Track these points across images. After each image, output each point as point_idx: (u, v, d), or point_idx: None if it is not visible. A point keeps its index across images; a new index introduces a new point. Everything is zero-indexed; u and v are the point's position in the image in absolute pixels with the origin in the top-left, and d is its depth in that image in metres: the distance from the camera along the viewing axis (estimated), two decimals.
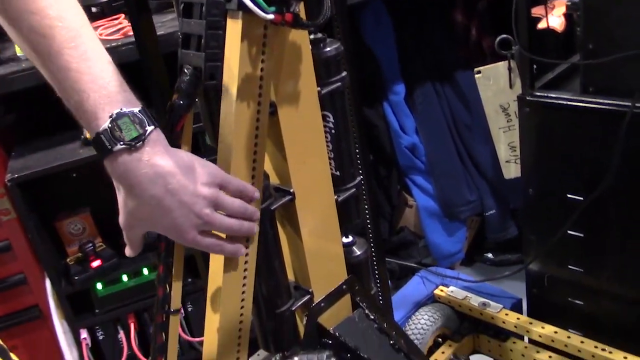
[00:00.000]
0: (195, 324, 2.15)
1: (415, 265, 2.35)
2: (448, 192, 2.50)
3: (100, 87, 0.76)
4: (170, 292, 0.92)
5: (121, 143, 0.76)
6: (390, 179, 2.58)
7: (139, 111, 0.78)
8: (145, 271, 2.08)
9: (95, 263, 2.00)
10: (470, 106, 2.44)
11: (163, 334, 0.92)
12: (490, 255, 2.66)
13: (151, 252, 2.07)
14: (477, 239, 2.66)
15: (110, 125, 0.76)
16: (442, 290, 1.76)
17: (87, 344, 2.04)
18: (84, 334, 2.05)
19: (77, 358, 2.06)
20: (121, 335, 2.08)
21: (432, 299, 1.77)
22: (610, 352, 1.47)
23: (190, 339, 2.14)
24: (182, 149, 0.87)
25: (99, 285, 2.04)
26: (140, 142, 0.77)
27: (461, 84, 2.47)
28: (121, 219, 0.84)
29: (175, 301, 0.93)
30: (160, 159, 0.78)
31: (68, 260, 2.03)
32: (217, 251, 0.88)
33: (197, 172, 0.81)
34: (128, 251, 0.89)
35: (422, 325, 1.66)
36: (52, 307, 2.04)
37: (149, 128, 0.77)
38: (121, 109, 0.76)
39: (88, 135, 0.79)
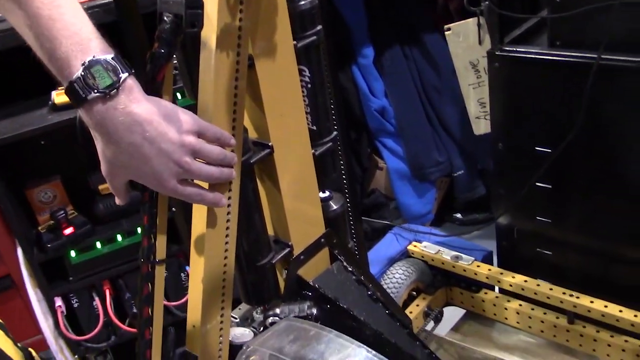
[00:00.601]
0: (170, 289, 2.16)
1: (387, 222, 2.39)
2: (417, 153, 2.54)
3: (72, 34, 0.75)
4: (155, 242, 0.92)
5: (95, 91, 0.75)
6: (360, 142, 2.61)
7: (112, 58, 0.77)
8: (119, 238, 2.07)
9: (68, 230, 1.98)
10: (439, 69, 2.47)
11: (149, 285, 0.93)
12: (459, 215, 2.72)
13: (125, 218, 2.08)
14: (447, 199, 2.72)
15: (83, 74, 0.74)
16: (415, 246, 1.80)
17: (62, 312, 2.04)
18: (58, 301, 2.04)
19: (53, 326, 2.05)
20: (96, 302, 2.08)
21: (405, 255, 1.81)
22: (577, 298, 1.53)
23: (166, 303, 2.15)
24: (164, 97, 0.87)
25: (73, 253, 2.02)
26: (115, 90, 0.76)
27: (429, 47, 2.49)
28: (102, 168, 0.84)
29: (160, 251, 0.93)
30: (136, 107, 0.77)
31: (40, 228, 2.01)
32: (198, 200, 0.88)
33: (174, 119, 0.81)
34: (117, 200, 0.89)
35: (396, 279, 1.70)
36: (25, 275, 2.02)
37: (123, 75, 0.76)
38: (94, 57, 0.75)
39: (59, 90, 0.77)
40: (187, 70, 1.03)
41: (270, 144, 1.12)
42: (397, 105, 2.54)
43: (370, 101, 2.52)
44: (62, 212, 1.98)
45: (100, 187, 2.05)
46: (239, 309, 1.34)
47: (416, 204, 2.59)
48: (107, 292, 2.08)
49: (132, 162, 0.80)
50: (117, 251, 2.07)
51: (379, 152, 2.62)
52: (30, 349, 1.23)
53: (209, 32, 0.89)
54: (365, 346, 0.81)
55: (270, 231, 1.24)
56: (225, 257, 1.03)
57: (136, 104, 0.77)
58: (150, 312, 0.94)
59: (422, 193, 2.60)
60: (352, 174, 2.53)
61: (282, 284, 1.26)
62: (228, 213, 1.01)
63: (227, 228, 1.02)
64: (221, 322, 1.05)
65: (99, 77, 0.75)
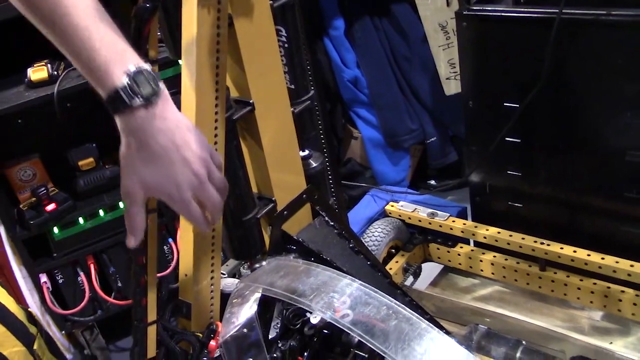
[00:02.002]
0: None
1: (364, 185, 2.45)
2: (391, 122, 2.60)
3: (109, 44, 0.79)
4: None
5: (139, 98, 0.79)
6: (334, 113, 2.66)
7: (152, 69, 0.82)
8: (101, 212, 2.10)
9: (50, 207, 2.00)
10: (408, 38, 2.52)
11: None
12: (433, 182, 2.78)
13: (106, 193, 2.08)
14: (421, 167, 2.78)
15: (129, 82, 0.79)
16: (392, 206, 1.86)
17: (47, 288, 2.06)
18: (43, 278, 2.07)
19: (39, 302, 2.07)
20: (81, 277, 2.11)
21: (383, 215, 1.87)
22: (548, 245, 1.60)
23: None
24: (150, 52, 0.91)
25: (56, 229, 2.05)
26: (155, 97, 0.81)
27: (398, 17, 2.53)
28: (124, 184, 0.86)
29: (152, 201, 0.97)
30: (170, 114, 0.83)
31: (21, 206, 2.02)
32: (194, 219, 0.90)
33: (195, 133, 0.86)
34: (131, 241, 0.91)
35: (375, 237, 1.76)
36: (9, 253, 2.04)
37: (161, 85, 0.82)
38: (136, 66, 0.80)
39: (101, 94, 0.81)
40: (168, 30, 1.07)
41: (251, 101, 1.16)
42: (369, 75, 2.59)
43: (343, 72, 2.57)
44: (43, 188, 2.00)
45: (80, 162, 2.08)
46: (227, 265, 1.39)
47: (391, 172, 2.65)
48: (92, 267, 2.11)
49: (158, 166, 0.84)
50: (100, 226, 2.11)
51: (353, 122, 2.67)
52: (30, 310, 1.27)
53: None
54: (351, 277, 0.86)
55: (254, 189, 1.28)
56: None
57: (170, 112, 0.83)
58: (144, 260, 0.98)
59: (396, 161, 2.66)
60: (330, 135, 2.58)
61: (267, 241, 1.31)
62: None
63: None
64: (212, 270, 1.09)
65: (142, 85, 0.79)
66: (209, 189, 0.88)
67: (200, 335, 1.06)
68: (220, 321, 1.08)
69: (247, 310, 0.93)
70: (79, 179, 2.08)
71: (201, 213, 0.90)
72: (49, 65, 1.91)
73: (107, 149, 2.13)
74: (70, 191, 2.08)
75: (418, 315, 0.80)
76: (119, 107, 0.80)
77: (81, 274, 2.11)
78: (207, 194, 0.88)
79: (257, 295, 0.93)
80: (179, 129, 0.84)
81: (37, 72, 1.90)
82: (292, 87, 1.29)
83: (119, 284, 2.16)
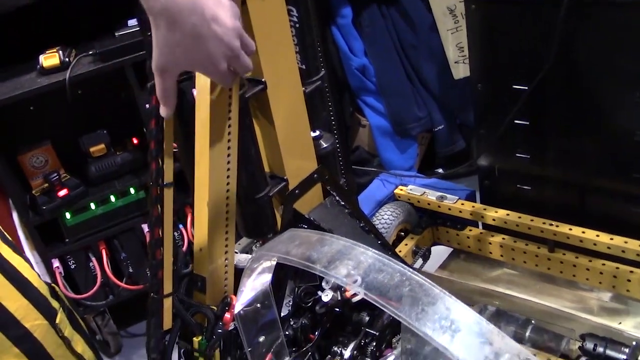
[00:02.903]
0: None
1: (373, 169, 2.47)
2: (398, 110, 2.61)
3: None
4: (162, 166, 0.98)
5: None
6: (342, 101, 2.67)
7: None
8: (113, 198, 2.12)
9: (62, 192, 2.02)
10: (415, 26, 2.53)
11: (159, 207, 0.99)
12: (440, 170, 2.79)
13: (117, 179, 2.11)
14: (428, 155, 2.79)
15: None
16: (401, 190, 1.87)
17: (60, 273, 2.09)
18: (56, 263, 2.09)
19: None
20: (93, 262, 2.13)
21: (392, 198, 1.89)
22: (557, 226, 1.61)
23: None
24: None
25: (68, 215, 2.07)
26: None
27: (406, 5, 2.54)
28: (157, 61, 0.87)
29: (168, 174, 0.99)
30: None
31: (34, 192, 2.05)
32: (229, 85, 0.95)
33: (224, 5, 0.86)
34: (164, 110, 0.92)
35: (385, 220, 1.77)
36: (22, 238, 2.07)
37: None
38: None
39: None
40: None
41: (263, 79, 1.17)
42: (377, 64, 2.59)
43: (351, 60, 2.58)
44: (55, 174, 2.02)
45: (92, 149, 2.10)
46: (239, 243, 1.41)
47: (399, 159, 2.66)
48: (104, 253, 2.13)
49: (191, 44, 0.84)
50: (112, 212, 2.13)
51: (361, 110, 2.68)
52: (53, 285, 1.29)
53: None
54: (366, 246, 0.88)
55: (266, 168, 1.30)
56: (228, 184, 1.09)
57: None
58: (160, 233, 1.00)
59: (404, 148, 2.67)
60: (341, 118, 2.59)
61: (279, 220, 1.33)
62: (229, 141, 1.07)
63: (229, 156, 1.08)
64: (226, 245, 1.11)
65: None
66: (243, 58, 0.90)
67: (215, 308, 1.08)
68: (235, 295, 1.09)
69: (261, 281, 0.95)
70: (91, 165, 2.10)
71: (232, 76, 0.92)
72: (60, 51, 1.93)
73: (118, 136, 2.16)
74: (81, 177, 2.11)
75: (430, 282, 0.82)
76: None
77: (93, 259, 2.13)
78: (241, 62, 0.90)
79: (272, 263, 0.94)
80: (207, 3, 0.83)
81: (49, 59, 1.92)
82: (303, 67, 1.30)
83: (130, 270, 2.18)
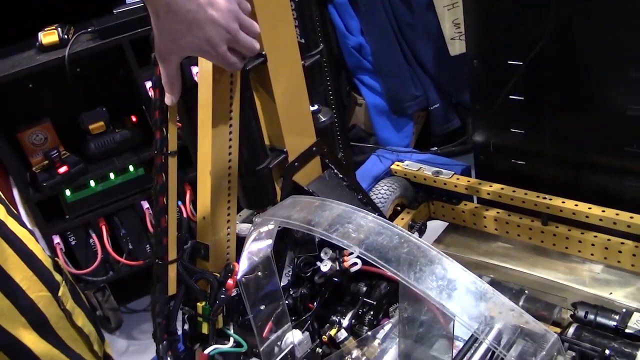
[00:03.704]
0: None
1: (370, 145, 2.50)
2: (394, 88, 2.63)
3: None
4: (167, 135, 1.00)
5: None
6: (339, 80, 2.69)
7: None
8: (112, 176, 2.14)
9: (62, 169, 2.04)
10: (412, 5, 2.54)
11: (163, 175, 1.02)
12: (436, 148, 2.82)
13: (117, 156, 2.12)
14: (424, 133, 2.82)
15: None
16: (397, 165, 1.90)
17: (61, 249, 2.11)
18: (56, 239, 2.12)
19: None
20: (93, 239, 2.15)
21: (389, 174, 1.91)
22: (550, 200, 1.65)
23: None
24: None
25: (68, 192, 2.09)
26: None
27: None
28: (159, 48, 0.90)
29: (172, 143, 1.02)
30: None
31: (34, 169, 2.07)
32: (236, 67, 0.96)
33: None
34: (169, 97, 0.96)
35: (382, 195, 1.80)
36: (23, 215, 2.09)
37: None
38: None
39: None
40: None
41: (263, 52, 1.19)
42: (374, 43, 2.61)
43: (347, 39, 2.59)
44: (55, 151, 2.04)
45: (91, 126, 2.11)
46: (239, 215, 1.43)
47: (395, 137, 2.68)
48: (104, 229, 2.15)
49: (189, 30, 0.87)
50: (111, 189, 2.15)
51: (358, 89, 2.70)
52: (56, 259, 1.31)
53: None
54: (366, 211, 0.91)
55: (266, 140, 1.33)
56: (230, 154, 1.12)
57: None
58: (165, 201, 1.03)
59: (400, 127, 2.70)
60: (339, 94, 2.61)
61: (279, 192, 1.35)
62: (231, 112, 1.09)
63: (231, 127, 1.10)
64: (228, 214, 1.14)
65: None
66: (242, 37, 0.92)
67: (218, 275, 1.11)
68: (237, 262, 1.12)
69: (264, 244, 0.98)
70: (90, 143, 2.12)
71: (237, 59, 0.94)
72: (59, 29, 1.94)
73: (117, 113, 2.17)
74: (81, 154, 2.12)
75: (429, 244, 0.85)
76: None
77: (93, 235, 2.16)
78: (241, 42, 0.92)
79: (274, 229, 0.97)
80: None
81: (48, 36, 1.93)
82: (302, 41, 1.33)
83: (130, 246, 2.21)
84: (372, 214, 0.90)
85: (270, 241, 1.05)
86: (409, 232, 0.86)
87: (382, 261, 0.82)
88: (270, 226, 0.98)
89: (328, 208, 0.93)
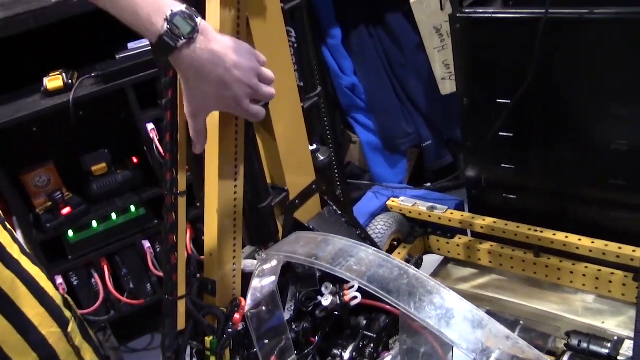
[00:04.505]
0: None
1: (366, 182, 2.55)
2: (387, 126, 2.70)
3: None
4: (177, 176, 1.06)
5: (182, 38, 0.90)
6: (334, 118, 2.76)
7: (186, 8, 0.92)
8: (114, 216, 2.18)
9: (65, 210, 2.09)
10: (402, 46, 2.63)
11: (173, 214, 1.07)
12: (429, 184, 2.88)
13: (118, 197, 2.17)
14: (418, 171, 2.88)
15: (169, 27, 0.89)
16: (393, 201, 1.96)
17: (63, 289, 2.14)
18: (59, 279, 2.15)
19: None
20: (95, 278, 2.18)
21: (385, 210, 1.97)
22: (541, 232, 1.70)
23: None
24: None
25: (70, 233, 2.13)
26: (196, 33, 0.91)
27: (393, 25, 2.64)
28: (189, 108, 0.98)
29: (182, 184, 1.07)
30: (214, 44, 0.94)
31: (38, 210, 2.11)
32: (260, 116, 1.04)
33: (241, 50, 0.97)
34: (197, 147, 1.03)
35: (378, 230, 1.85)
36: (33, 256, 2.11)
37: (198, 19, 0.92)
38: (172, 11, 0.90)
39: (151, 41, 0.90)
40: None
41: None
42: (366, 82, 2.69)
43: (341, 79, 2.68)
44: (58, 193, 2.09)
45: (93, 168, 2.16)
46: (243, 252, 1.48)
47: (389, 174, 2.75)
48: (105, 269, 2.19)
49: (217, 91, 0.96)
50: (113, 229, 2.19)
51: (352, 127, 2.77)
52: (66, 296, 1.35)
53: None
54: (367, 245, 0.96)
55: (268, 179, 1.38)
56: (235, 194, 1.17)
57: (213, 42, 0.94)
58: (175, 239, 1.08)
59: (394, 163, 2.77)
60: (335, 132, 2.68)
61: (280, 230, 1.40)
62: (236, 153, 1.15)
63: (236, 167, 1.16)
64: (234, 250, 1.19)
65: (181, 26, 0.90)
66: (263, 90, 1.00)
67: (225, 309, 1.15)
68: (243, 297, 1.17)
69: (269, 280, 1.02)
70: (92, 184, 2.17)
71: (259, 109, 1.02)
72: (64, 74, 2.00)
73: (119, 154, 2.23)
74: (83, 195, 2.17)
75: (427, 275, 0.90)
76: (167, 50, 0.90)
77: (95, 275, 2.19)
78: (261, 94, 1.00)
79: (279, 265, 1.02)
80: (226, 53, 0.94)
81: (53, 81, 1.99)
82: (301, 84, 1.40)
83: (132, 285, 2.24)
84: (373, 248, 0.95)
85: (274, 277, 1.10)
86: (408, 265, 0.91)
87: (383, 292, 0.87)
88: (275, 262, 1.03)
89: (331, 243, 0.98)
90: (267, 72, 1.02)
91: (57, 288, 2.06)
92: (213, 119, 1.09)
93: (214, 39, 0.94)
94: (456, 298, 0.87)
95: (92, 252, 2.17)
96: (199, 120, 1.00)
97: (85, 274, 2.20)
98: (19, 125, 1.94)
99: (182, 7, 0.91)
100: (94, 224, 2.16)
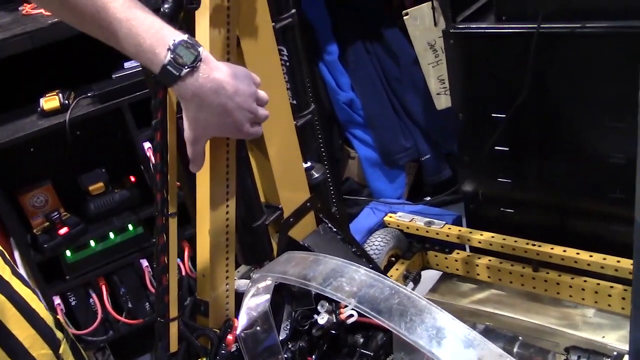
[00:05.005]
0: None
1: (363, 198, 2.55)
2: (386, 141, 2.70)
3: (149, 27, 0.91)
4: (167, 197, 1.05)
5: (186, 67, 0.91)
6: (331, 134, 2.76)
7: (188, 37, 0.93)
8: (112, 235, 2.18)
9: (63, 230, 2.08)
10: (399, 61, 2.64)
11: (164, 235, 1.06)
12: (428, 198, 2.87)
13: (116, 216, 2.16)
14: (416, 185, 2.88)
15: (172, 56, 0.91)
16: (390, 217, 1.95)
17: (61, 310, 2.13)
18: (57, 300, 2.14)
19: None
20: (93, 298, 2.17)
21: (382, 225, 1.96)
22: (539, 246, 1.69)
23: None
24: None
25: (68, 253, 2.12)
26: (199, 62, 0.92)
27: (389, 41, 2.66)
28: (191, 135, 0.99)
29: (172, 205, 1.07)
30: (216, 73, 0.95)
31: (35, 230, 2.10)
32: (259, 134, 1.05)
33: (240, 75, 0.99)
34: (194, 168, 1.04)
35: (376, 247, 1.84)
36: (24, 276, 2.11)
37: (200, 48, 0.94)
38: (174, 40, 0.91)
39: (154, 71, 0.91)
40: None
41: None
42: (364, 97, 2.70)
43: (338, 95, 2.68)
44: (56, 213, 2.08)
45: (90, 187, 2.16)
46: (237, 271, 1.47)
47: (388, 189, 2.74)
48: (104, 288, 2.18)
49: (219, 119, 0.97)
50: (111, 248, 2.18)
51: (350, 143, 2.77)
52: (58, 317, 1.34)
53: (202, 11, 1.04)
54: (358, 265, 0.95)
55: (262, 198, 1.38)
56: (227, 214, 1.17)
57: (215, 70, 0.95)
58: (166, 260, 1.07)
59: (392, 178, 2.76)
60: (330, 150, 2.68)
61: (275, 247, 1.40)
62: (227, 173, 1.15)
63: (227, 187, 1.15)
64: (227, 271, 1.18)
65: (184, 56, 0.92)
66: (260, 113, 1.02)
67: (218, 331, 1.14)
68: (236, 318, 1.16)
69: (261, 300, 1.02)
70: (90, 203, 2.17)
71: (258, 128, 1.04)
72: (60, 94, 2.01)
73: (116, 174, 2.23)
74: (81, 215, 2.16)
75: (418, 295, 0.89)
76: (171, 80, 0.92)
77: (93, 295, 2.18)
78: (259, 117, 1.02)
79: (271, 284, 1.01)
80: (227, 81, 0.95)
81: (50, 102, 1.99)
82: (294, 102, 1.40)
83: (130, 305, 2.23)
84: (364, 268, 0.94)
85: (267, 296, 1.09)
86: (399, 284, 0.90)
87: (374, 312, 0.86)
88: (268, 282, 1.03)
89: (322, 263, 0.98)
90: (263, 95, 1.04)
91: (54, 309, 2.10)
92: None
93: (216, 67, 0.95)
94: (448, 318, 0.86)
95: (90, 271, 2.16)
96: (199, 145, 1.01)
97: (83, 293, 2.19)
98: (16, 146, 1.95)
99: (184, 36, 0.93)
100: (92, 243, 2.16)
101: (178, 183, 1.12)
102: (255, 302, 1.06)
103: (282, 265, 1.03)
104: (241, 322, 1.12)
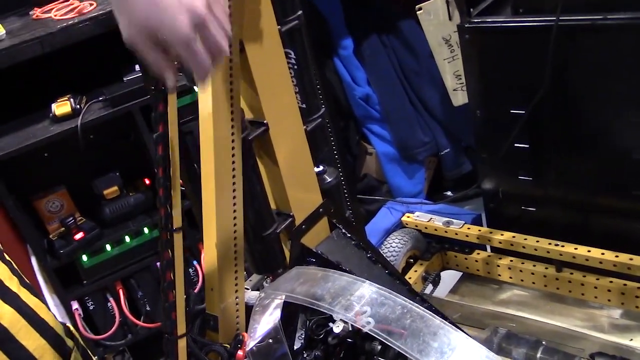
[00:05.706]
0: None
1: (380, 198, 2.50)
2: (404, 136, 2.65)
3: None
4: (171, 212, 1.02)
5: None
6: (348, 130, 2.72)
7: None
8: (127, 239, 2.17)
9: (78, 235, 2.07)
10: (416, 53, 2.58)
11: (169, 251, 1.03)
12: (449, 192, 2.82)
13: (131, 220, 2.15)
14: (436, 179, 2.82)
15: None
16: (408, 217, 1.91)
17: (79, 314, 2.13)
18: (75, 305, 2.14)
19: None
20: (111, 302, 2.17)
21: (400, 226, 1.92)
22: (562, 246, 1.64)
23: None
24: None
25: (84, 257, 2.12)
26: None
27: (405, 33, 2.60)
28: (126, 33, 0.81)
29: (177, 220, 1.03)
30: None
31: (51, 236, 2.10)
32: (200, 61, 0.83)
33: None
34: (170, 81, 0.85)
35: (393, 248, 1.80)
36: (41, 283, 2.11)
37: None
38: None
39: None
40: None
41: (265, 121, 1.22)
42: (380, 92, 2.64)
43: (355, 90, 2.63)
44: (71, 218, 2.08)
45: (105, 191, 2.15)
46: (250, 280, 1.44)
47: (407, 185, 2.69)
48: (121, 292, 2.17)
49: (152, 6, 0.78)
50: (127, 252, 2.18)
51: (367, 138, 2.72)
52: (68, 325, 1.33)
53: None
54: (368, 280, 0.91)
55: (273, 205, 1.34)
56: (235, 225, 1.13)
57: None
58: (172, 276, 1.04)
59: (412, 173, 2.71)
60: (344, 150, 2.64)
61: (287, 255, 1.36)
62: (234, 183, 1.11)
63: (235, 197, 1.12)
64: (236, 284, 1.15)
65: None
66: (214, 30, 0.82)
67: (228, 346, 1.11)
68: (246, 332, 1.13)
69: (271, 318, 0.98)
70: (105, 207, 2.16)
71: (207, 55, 0.82)
72: (71, 99, 1.99)
73: (130, 177, 2.22)
74: (96, 219, 2.16)
75: (431, 313, 0.85)
76: None
77: (110, 299, 2.18)
78: (212, 33, 0.82)
79: (279, 302, 0.98)
80: None
81: (61, 107, 1.98)
82: (304, 106, 1.35)
83: (148, 308, 2.22)
84: (375, 284, 0.90)
85: (278, 310, 1.05)
86: (412, 302, 0.86)
87: (385, 334, 0.83)
88: (278, 300, 0.99)
89: (331, 279, 0.94)
90: (224, 16, 0.84)
91: (72, 314, 2.10)
92: (207, 141, 1.06)
93: None
94: (462, 337, 0.82)
95: (107, 276, 2.16)
96: (145, 49, 0.81)
97: (101, 298, 2.19)
98: (29, 152, 1.94)
99: None
100: (108, 247, 2.15)
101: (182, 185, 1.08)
102: (265, 317, 1.03)
103: (290, 282, 1.00)
104: (251, 337, 1.08)
